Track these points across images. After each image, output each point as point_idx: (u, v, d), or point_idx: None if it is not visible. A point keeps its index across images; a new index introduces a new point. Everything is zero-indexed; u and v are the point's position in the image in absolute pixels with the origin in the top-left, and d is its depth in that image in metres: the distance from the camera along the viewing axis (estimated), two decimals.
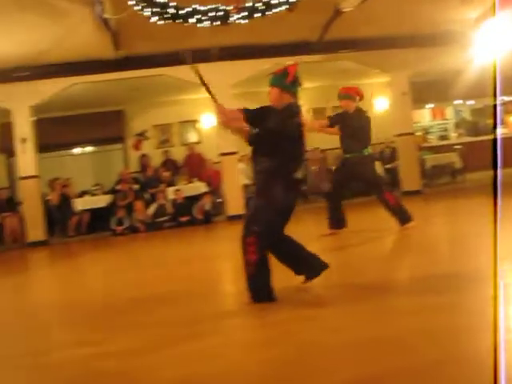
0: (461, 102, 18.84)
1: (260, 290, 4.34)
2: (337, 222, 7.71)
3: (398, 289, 4.57)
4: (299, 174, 4.51)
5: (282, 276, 4.54)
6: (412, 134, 13.50)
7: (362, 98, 7.85)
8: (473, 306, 3.60)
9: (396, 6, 10.06)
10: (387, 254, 6.52)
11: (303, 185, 4.60)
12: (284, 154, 4.34)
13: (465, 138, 17.60)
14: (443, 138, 18.38)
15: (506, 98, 19.05)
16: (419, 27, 11.44)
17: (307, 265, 4.63)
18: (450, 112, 20.06)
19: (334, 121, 7.59)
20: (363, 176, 7.77)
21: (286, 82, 4.55)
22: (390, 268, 5.50)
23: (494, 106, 18.97)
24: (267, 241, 4.37)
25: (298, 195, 4.80)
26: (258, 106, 4.70)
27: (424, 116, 19.71)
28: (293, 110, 4.54)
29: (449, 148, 15.43)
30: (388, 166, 14.14)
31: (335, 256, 6.31)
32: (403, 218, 7.44)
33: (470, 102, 19.49)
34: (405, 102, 13.05)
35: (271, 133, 4.35)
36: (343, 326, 3.61)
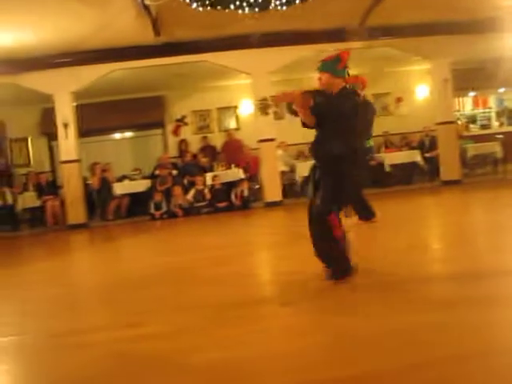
0: (504, 90, 18.44)
1: (347, 264, 4.58)
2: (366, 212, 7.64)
3: (435, 280, 4.54)
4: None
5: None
6: (453, 122, 13.29)
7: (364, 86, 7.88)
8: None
9: None
10: (424, 246, 6.46)
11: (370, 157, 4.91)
12: (348, 133, 4.57)
13: (507, 127, 17.27)
14: (485, 127, 18.05)
15: None
16: (461, 13, 11.20)
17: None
18: (492, 100, 19.68)
19: None
20: None
21: (338, 67, 4.75)
22: (427, 260, 5.46)
23: None
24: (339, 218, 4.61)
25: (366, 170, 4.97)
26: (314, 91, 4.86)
27: (466, 104, 19.38)
28: (349, 93, 4.79)
29: (490, 137, 15.14)
30: (428, 154, 13.95)
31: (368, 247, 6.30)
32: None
33: None
34: (446, 89, 12.83)
35: (335, 115, 4.56)
36: (378, 313, 3.62)
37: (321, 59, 4.89)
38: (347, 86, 4.85)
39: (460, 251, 5.45)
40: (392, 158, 13.47)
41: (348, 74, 4.89)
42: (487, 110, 19.49)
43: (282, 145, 13.49)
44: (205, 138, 15.19)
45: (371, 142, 7.74)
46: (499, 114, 19.20)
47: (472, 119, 18.90)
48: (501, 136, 14.66)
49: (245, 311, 4.00)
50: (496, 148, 14.20)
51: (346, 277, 4.54)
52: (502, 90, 18.28)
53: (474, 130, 18.29)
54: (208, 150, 14.66)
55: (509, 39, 11.75)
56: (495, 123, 18.93)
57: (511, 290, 3.81)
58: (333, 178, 4.56)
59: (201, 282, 5.15)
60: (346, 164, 4.51)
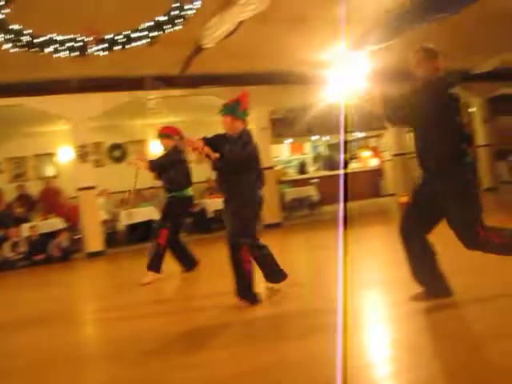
0: (317, 137, 19.65)
1: (251, 293, 5.07)
2: None
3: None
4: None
5: None
6: (272, 167, 13.80)
7: (181, 136, 7.84)
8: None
9: (255, 44, 10.31)
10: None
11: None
12: (250, 173, 5.11)
13: (322, 172, 18.34)
14: (301, 171, 19.03)
15: (360, 134, 20.19)
16: (278, 65, 11.82)
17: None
18: (308, 147, 20.88)
19: None
20: None
21: (239, 110, 5.12)
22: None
23: (346, 142, 20.04)
24: (254, 249, 5.11)
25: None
26: (214, 134, 5.33)
27: (283, 150, 20.36)
28: (249, 136, 5.22)
29: (307, 182, 15.99)
30: None
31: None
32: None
33: (326, 138, 20.40)
34: (264, 136, 13.33)
35: (237, 157, 4.99)
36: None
37: (223, 103, 5.27)
38: (245, 128, 5.23)
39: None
40: (215, 204, 13.62)
41: (246, 116, 5.29)
42: (303, 156, 20.62)
43: (103, 192, 13.11)
44: (21, 186, 14.30)
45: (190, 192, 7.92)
46: (314, 160, 20.39)
47: (289, 165, 19.86)
48: (316, 180, 15.53)
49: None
50: (312, 191, 14.99)
51: (251, 303, 5.04)
52: (315, 137, 19.47)
53: (292, 174, 19.20)
54: (24, 198, 13.79)
55: (320, 91, 12.57)
56: (311, 168, 20.04)
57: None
58: (239, 213, 5.23)
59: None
60: (252, 202, 5.26)
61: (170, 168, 7.25)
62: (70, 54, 6.94)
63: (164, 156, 7.80)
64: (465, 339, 3.33)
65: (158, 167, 7.38)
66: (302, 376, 3.10)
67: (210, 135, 5.28)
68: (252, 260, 5.08)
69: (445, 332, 3.54)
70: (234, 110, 5.12)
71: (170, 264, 7.75)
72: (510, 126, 18.72)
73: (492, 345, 3.17)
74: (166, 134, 7.87)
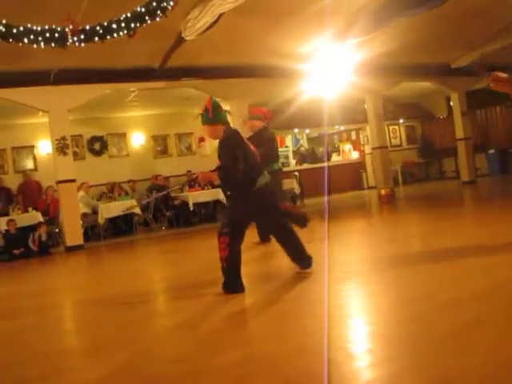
0: (298, 130, 19.67)
1: (230, 282, 5.09)
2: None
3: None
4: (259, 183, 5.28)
5: None
6: None
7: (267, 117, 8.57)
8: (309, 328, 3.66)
9: (236, 37, 10.29)
10: None
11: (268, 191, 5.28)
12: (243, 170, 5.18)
13: (303, 165, 18.37)
14: (283, 164, 19.02)
15: (341, 128, 20.27)
16: (259, 58, 11.79)
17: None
18: (289, 140, 20.90)
19: None
20: None
21: (210, 116, 5.18)
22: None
23: (326, 135, 20.14)
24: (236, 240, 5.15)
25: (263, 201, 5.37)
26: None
27: None
28: (233, 134, 5.30)
29: (288, 175, 15.99)
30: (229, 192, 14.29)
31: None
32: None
33: (307, 131, 20.44)
34: (245, 130, 13.28)
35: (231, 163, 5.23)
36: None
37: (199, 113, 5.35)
38: (227, 128, 5.28)
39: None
40: (196, 197, 13.58)
41: (223, 115, 5.33)
42: (285, 149, 20.63)
43: (83, 186, 13.00)
44: None
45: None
46: (296, 153, 20.42)
47: None
48: (297, 173, 15.56)
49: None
50: (294, 184, 15.00)
51: (229, 292, 5.06)
52: (296, 130, 19.49)
53: (274, 167, 19.17)
54: (2, 192, 13.63)
55: (301, 84, 12.58)
56: (293, 161, 20.07)
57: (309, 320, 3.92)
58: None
59: None
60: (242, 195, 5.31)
61: (261, 146, 7.41)
62: (48, 44, 6.85)
63: (256, 136, 8.38)
64: (445, 330, 3.35)
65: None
66: (287, 368, 3.09)
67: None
68: (229, 250, 5.08)
69: (424, 324, 3.56)
70: (207, 117, 5.22)
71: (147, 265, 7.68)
72: (488, 119, 18.92)
73: (475, 334, 3.20)
74: (256, 115, 8.58)
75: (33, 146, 15.05)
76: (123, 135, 16.25)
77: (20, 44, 6.93)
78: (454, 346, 3.04)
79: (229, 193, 5.59)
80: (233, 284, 5.13)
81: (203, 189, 14.23)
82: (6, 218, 11.49)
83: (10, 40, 6.72)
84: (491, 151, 18.27)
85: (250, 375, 3.07)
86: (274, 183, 7.30)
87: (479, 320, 3.46)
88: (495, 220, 8.20)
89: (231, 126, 5.52)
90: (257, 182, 5.27)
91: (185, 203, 13.47)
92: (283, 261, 5.87)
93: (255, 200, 5.28)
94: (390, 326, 3.64)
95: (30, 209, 12.27)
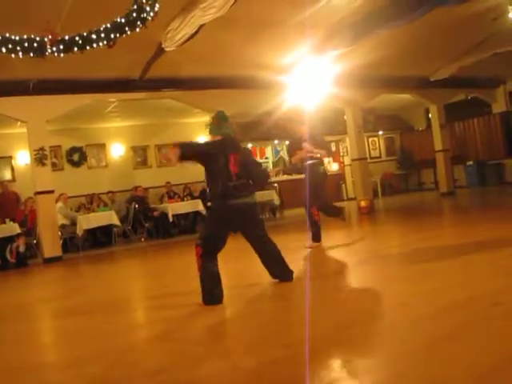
0: (278, 141, 19.70)
1: (205, 293, 5.12)
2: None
3: None
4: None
5: None
6: None
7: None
8: None
9: (217, 48, 10.31)
10: None
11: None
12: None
13: (282, 176, 18.36)
14: None
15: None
16: (239, 69, 11.82)
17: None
18: (269, 151, 20.92)
19: None
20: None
21: (213, 127, 5.67)
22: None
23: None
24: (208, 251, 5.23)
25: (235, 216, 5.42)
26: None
27: None
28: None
29: (268, 186, 16.01)
30: (210, 203, 14.27)
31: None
32: None
33: (287, 142, 20.45)
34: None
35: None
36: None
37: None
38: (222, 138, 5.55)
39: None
40: (175, 208, 13.54)
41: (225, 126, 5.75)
42: (264, 160, 20.65)
43: (61, 197, 12.88)
44: None
45: None
46: (276, 164, 20.45)
47: None
48: (276, 185, 15.59)
49: None
50: (274, 195, 15.03)
51: (205, 303, 5.07)
52: (276, 141, 19.53)
53: None
54: None
55: (282, 95, 12.63)
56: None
57: None
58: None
59: None
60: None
61: None
62: (27, 54, 6.80)
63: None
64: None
65: None
66: (267, 379, 3.07)
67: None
68: (202, 261, 5.20)
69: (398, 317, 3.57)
70: (211, 128, 5.69)
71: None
72: (466, 131, 19.13)
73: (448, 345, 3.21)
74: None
75: (10, 157, 14.91)
76: (102, 146, 16.16)
77: None
78: (429, 359, 3.04)
79: (208, 204, 5.75)
80: (208, 295, 5.11)
81: (182, 200, 14.22)
82: None
83: None
84: (469, 163, 18.46)
85: None
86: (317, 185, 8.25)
87: (455, 332, 3.48)
88: (473, 231, 8.27)
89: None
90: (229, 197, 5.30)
91: (164, 214, 13.42)
92: (263, 271, 5.85)
93: (224, 214, 5.36)
94: (366, 336, 3.64)
95: (7, 220, 12.12)
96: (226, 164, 5.32)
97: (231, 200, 5.29)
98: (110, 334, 4.57)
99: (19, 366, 3.96)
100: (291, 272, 5.67)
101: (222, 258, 5.38)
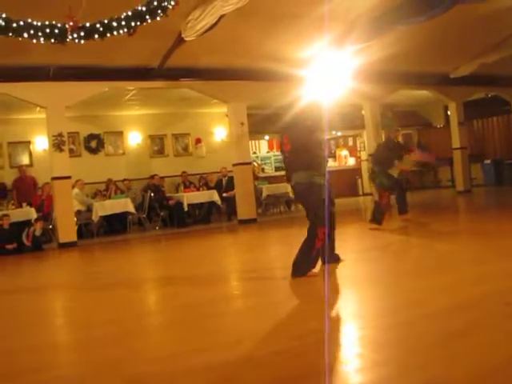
0: None
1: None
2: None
3: None
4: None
5: None
6: (249, 163, 13.79)
7: None
8: None
9: (236, 40, 10.30)
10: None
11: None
12: None
13: None
14: (279, 168, 19.05)
15: (338, 133, 20.30)
16: (258, 61, 11.79)
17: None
18: None
19: None
20: None
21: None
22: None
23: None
24: None
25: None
26: None
27: (261, 147, 20.39)
28: None
29: (284, 178, 15.99)
30: (225, 194, 14.34)
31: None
32: None
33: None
34: (242, 132, 13.32)
35: None
36: None
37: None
38: None
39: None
40: (191, 198, 13.59)
41: None
42: (281, 153, 20.62)
43: (78, 183, 12.97)
44: None
45: None
46: None
47: (266, 161, 19.91)
48: None
49: None
50: (289, 188, 14.98)
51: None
52: None
53: (269, 171, 19.23)
54: None
55: (299, 88, 12.56)
56: None
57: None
58: None
59: None
60: None
61: None
62: (48, 40, 6.84)
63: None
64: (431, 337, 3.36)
65: None
66: (275, 370, 3.09)
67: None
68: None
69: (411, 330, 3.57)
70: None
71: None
72: (484, 130, 18.98)
73: (458, 343, 3.21)
74: None
75: (29, 142, 15.01)
76: (120, 134, 16.22)
77: (19, 38, 6.91)
78: (442, 354, 3.04)
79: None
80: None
81: (198, 190, 14.27)
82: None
83: (10, 34, 6.69)
84: (487, 161, 18.32)
85: (237, 376, 3.07)
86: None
87: (468, 329, 3.48)
88: (488, 230, 8.24)
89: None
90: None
91: (179, 204, 13.47)
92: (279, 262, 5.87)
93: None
94: (380, 331, 3.65)
95: (24, 204, 12.24)
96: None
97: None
98: (120, 321, 4.61)
99: (37, 345, 4.02)
100: (299, 271, 5.54)
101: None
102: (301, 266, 5.50)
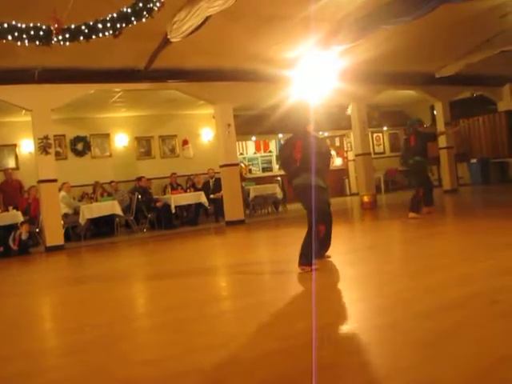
0: (282, 135, 19.67)
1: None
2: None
3: None
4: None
5: None
6: (236, 164, 13.76)
7: None
8: None
9: (222, 41, 10.30)
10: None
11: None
12: None
13: None
14: (266, 169, 19.08)
15: (325, 134, 20.32)
16: (244, 62, 11.79)
17: None
18: (273, 145, 20.93)
19: None
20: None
21: None
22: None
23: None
24: None
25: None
26: None
27: (248, 148, 20.40)
28: None
29: (271, 179, 16.03)
30: (212, 196, 14.31)
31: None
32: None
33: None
34: (229, 133, 13.29)
35: None
36: None
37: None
38: None
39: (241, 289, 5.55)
40: (178, 200, 13.55)
41: None
42: (268, 154, 20.67)
43: (64, 186, 12.89)
44: None
45: None
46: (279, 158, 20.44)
47: (253, 162, 19.92)
48: (280, 178, 15.58)
49: None
50: (276, 189, 15.01)
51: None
52: (281, 135, 19.49)
53: (256, 172, 19.24)
54: None
55: (287, 89, 12.60)
56: (276, 166, 20.11)
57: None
58: None
59: None
60: None
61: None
62: (33, 42, 6.80)
63: None
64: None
65: None
66: (262, 371, 3.09)
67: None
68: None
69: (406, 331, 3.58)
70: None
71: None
72: (471, 129, 19.09)
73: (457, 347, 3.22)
74: None
75: (15, 145, 14.90)
76: (107, 136, 16.15)
77: (4, 41, 6.87)
78: (433, 354, 3.05)
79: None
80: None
81: (185, 191, 14.24)
82: None
83: None
84: (473, 161, 18.42)
85: (225, 379, 3.06)
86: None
87: (454, 329, 3.49)
88: (475, 228, 8.28)
89: None
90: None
91: (167, 205, 13.43)
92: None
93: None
94: (369, 331, 3.66)
95: (10, 208, 12.15)
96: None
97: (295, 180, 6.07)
98: (110, 324, 4.58)
99: (28, 350, 3.99)
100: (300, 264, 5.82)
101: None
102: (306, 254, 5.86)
